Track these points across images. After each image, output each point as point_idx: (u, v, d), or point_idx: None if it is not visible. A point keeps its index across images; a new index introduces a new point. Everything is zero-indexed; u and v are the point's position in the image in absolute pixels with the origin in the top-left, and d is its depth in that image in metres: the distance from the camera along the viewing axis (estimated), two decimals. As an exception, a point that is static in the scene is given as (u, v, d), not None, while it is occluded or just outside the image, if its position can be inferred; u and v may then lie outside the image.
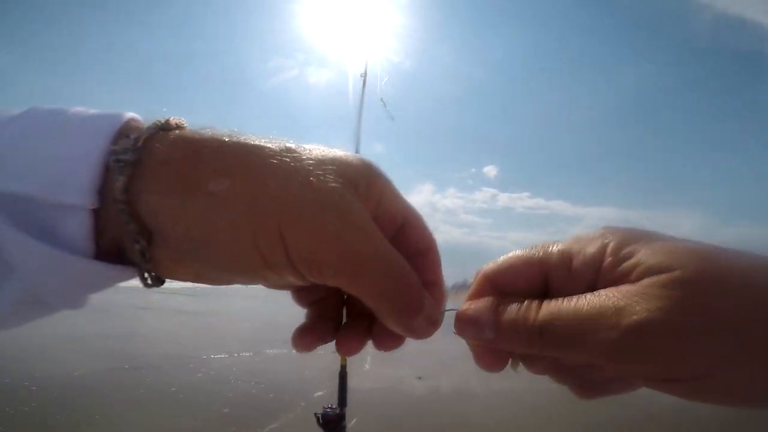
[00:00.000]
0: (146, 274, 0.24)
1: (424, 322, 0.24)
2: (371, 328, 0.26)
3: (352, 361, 2.02)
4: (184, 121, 0.24)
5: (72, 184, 0.21)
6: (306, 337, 0.26)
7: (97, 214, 0.22)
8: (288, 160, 0.22)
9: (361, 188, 0.23)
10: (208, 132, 0.23)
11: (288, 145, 0.23)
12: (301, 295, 0.28)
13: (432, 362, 6.37)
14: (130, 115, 0.24)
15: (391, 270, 0.22)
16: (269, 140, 0.23)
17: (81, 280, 0.22)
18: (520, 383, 5.95)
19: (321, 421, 1.72)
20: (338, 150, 0.24)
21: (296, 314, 0.29)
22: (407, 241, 0.25)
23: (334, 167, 0.22)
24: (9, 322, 0.24)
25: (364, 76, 2.56)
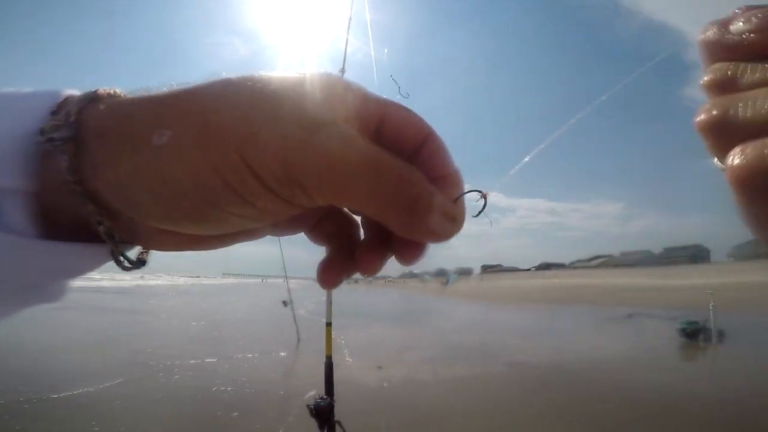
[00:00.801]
0: (120, 256, 0.23)
1: (442, 219, 0.21)
2: (390, 242, 0.24)
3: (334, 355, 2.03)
4: (118, 89, 0.23)
5: (6, 167, 0.20)
6: (329, 271, 0.25)
7: (47, 197, 0.21)
8: (229, 88, 0.20)
9: (322, 90, 0.20)
10: (143, 92, 0.21)
11: (230, 77, 0.20)
12: (315, 233, 0.26)
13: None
14: (69, 91, 0.22)
15: (382, 168, 0.19)
16: (198, 83, 0.21)
17: (41, 262, 0.21)
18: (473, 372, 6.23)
19: (314, 412, 1.71)
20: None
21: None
22: (396, 136, 0.22)
23: (281, 82, 0.20)
24: None
25: (343, 72, 2.58)
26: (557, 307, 17.05)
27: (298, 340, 7.68)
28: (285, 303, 8.13)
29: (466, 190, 0.23)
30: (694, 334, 8.33)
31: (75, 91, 0.22)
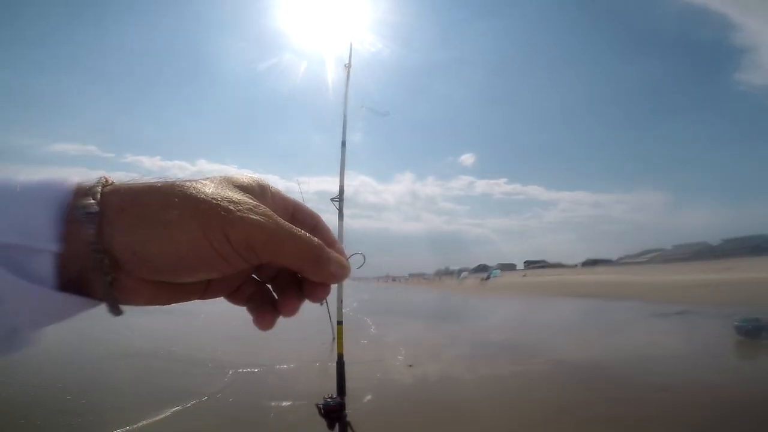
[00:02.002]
0: (111, 301, 0.30)
1: (337, 267, 0.34)
2: (301, 289, 0.35)
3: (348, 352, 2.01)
4: (110, 178, 0.32)
5: (44, 234, 0.28)
6: (264, 318, 0.36)
7: (60, 257, 0.28)
8: (204, 187, 0.31)
9: (258, 194, 0.34)
10: (139, 183, 0.31)
11: (192, 181, 0.32)
12: (234, 296, 0.37)
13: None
14: (75, 179, 0.31)
15: (301, 238, 0.32)
16: (181, 180, 0.32)
17: (50, 310, 0.29)
18: (504, 370, 6.06)
19: (323, 412, 1.69)
20: (230, 173, 0.35)
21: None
22: (302, 221, 0.36)
23: (242, 185, 0.33)
24: None
25: (348, 66, 2.57)
26: (603, 304, 16.32)
27: (334, 337, 7.76)
28: (320, 302, 8.23)
29: (351, 254, 0.36)
30: (754, 332, 7.73)
31: (77, 178, 0.31)
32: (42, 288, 0.28)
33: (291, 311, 0.36)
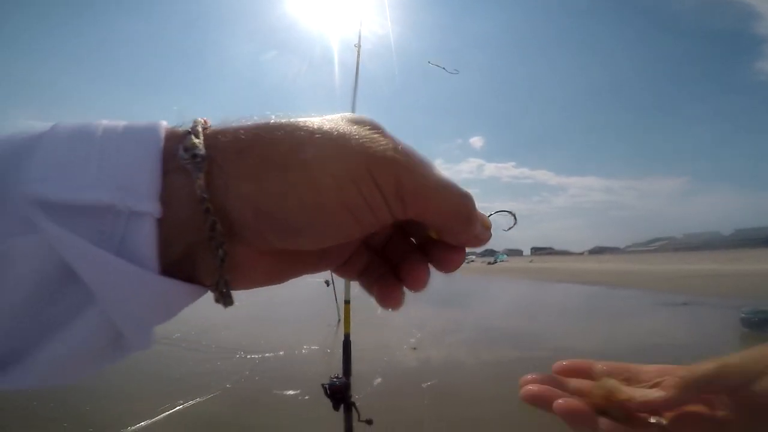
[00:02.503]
0: (222, 286, 0.23)
1: (482, 228, 0.28)
2: (430, 257, 0.29)
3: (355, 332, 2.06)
4: (207, 120, 0.25)
5: (139, 190, 0.20)
6: (391, 294, 0.29)
7: (162, 225, 0.21)
8: (330, 122, 0.24)
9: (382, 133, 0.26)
10: (246, 122, 0.24)
11: (308, 117, 0.25)
12: (347, 268, 0.30)
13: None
14: (163, 122, 0.24)
15: (453, 189, 0.26)
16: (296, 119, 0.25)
17: (158, 304, 0.22)
18: (508, 354, 6.13)
19: (328, 392, 1.74)
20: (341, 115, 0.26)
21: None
22: None
23: (363, 122, 0.25)
24: (71, 369, 0.21)
25: (358, 46, 2.55)
26: (608, 291, 16.28)
27: (339, 319, 7.86)
28: (327, 283, 8.31)
29: (494, 212, 0.30)
30: (760, 324, 7.70)
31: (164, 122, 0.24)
32: (146, 273, 0.20)
33: (421, 283, 0.29)
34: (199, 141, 0.22)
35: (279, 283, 0.28)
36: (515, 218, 0.32)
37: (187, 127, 0.23)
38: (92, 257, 0.19)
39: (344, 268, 0.30)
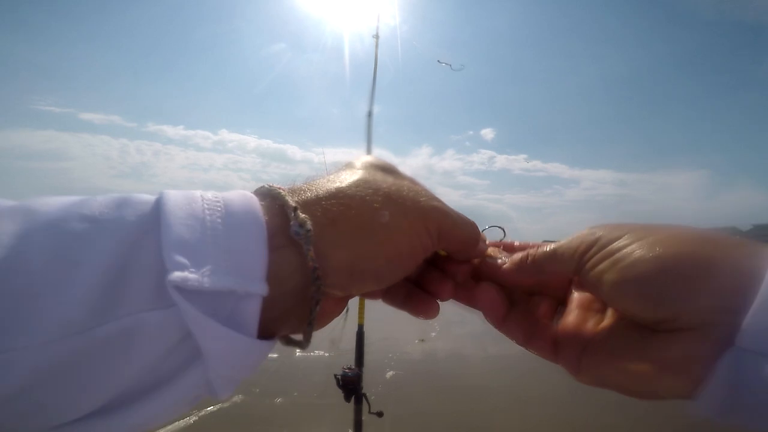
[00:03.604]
0: (309, 335, 0.28)
1: (483, 243, 0.36)
2: (442, 270, 0.36)
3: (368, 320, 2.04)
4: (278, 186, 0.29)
5: (250, 274, 0.23)
6: (428, 305, 0.35)
7: (267, 299, 0.24)
8: (377, 177, 0.30)
9: (399, 175, 0.33)
10: (309, 186, 0.29)
11: (350, 173, 0.31)
12: (387, 297, 0.35)
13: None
14: (248, 193, 0.27)
15: (467, 221, 0.33)
16: (334, 175, 0.30)
17: (248, 361, 0.25)
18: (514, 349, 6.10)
19: (340, 383, 1.73)
20: (362, 158, 0.33)
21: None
22: None
23: (388, 168, 0.32)
24: (163, 418, 0.24)
25: (377, 37, 2.53)
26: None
27: (347, 309, 7.87)
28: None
29: (491, 225, 0.39)
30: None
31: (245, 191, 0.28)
32: (245, 339, 0.24)
33: (448, 293, 0.35)
34: (306, 217, 0.26)
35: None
36: (504, 232, 0.39)
37: (273, 193, 0.27)
38: (209, 327, 0.22)
39: (369, 293, 0.34)
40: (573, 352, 0.31)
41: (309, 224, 0.25)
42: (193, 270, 0.22)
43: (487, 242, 0.37)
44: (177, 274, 0.21)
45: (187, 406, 0.25)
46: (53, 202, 0.23)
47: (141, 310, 0.21)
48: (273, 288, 0.24)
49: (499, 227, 0.38)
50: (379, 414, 1.81)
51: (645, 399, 0.27)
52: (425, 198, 0.30)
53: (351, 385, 1.73)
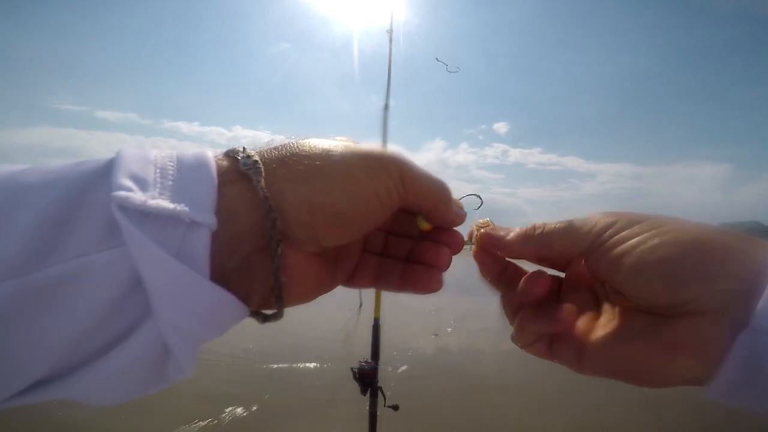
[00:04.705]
0: (277, 291, 0.26)
1: (458, 208, 0.34)
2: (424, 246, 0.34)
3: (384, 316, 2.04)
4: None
5: (198, 203, 0.22)
6: (428, 277, 0.33)
7: (214, 239, 0.23)
8: (339, 141, 0.29)
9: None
10: (278, 143, 0.28)
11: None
12: (359, 276, 0.34)
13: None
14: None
15: (437, 178, 0.31)
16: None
17: (206, 314, 0.23)
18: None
19: (357, 376, 1.74)
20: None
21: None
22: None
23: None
24: (118, 388, 0.23)
25: (390, 32, 2.54)
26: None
27: (360, 304, 7.90)
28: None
29: (467, 194, 0.37)
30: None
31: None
32: (198, 278, 0.22)
33: (447, 260, 0.34)
34: (253, 152, 0.26)
35: (319, 295, 0.31)
36: (481, 199, 0.37)
37: (235, 148, 0.27)
38: (155, 259, 0.20)
39: (355, 279, 0.34)
40: (571, 347, 0.31)
41: (257, 157, 0.25)
42: (138, 192, 0.21)
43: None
44: (121, 193, 0.21)
45: (148, 381, 0.24)
46: (18, 165, 0.23)
47: (88, 252, 0.20)
48: (225, 225, 0.23)
49: (476, 195, 0.37)
50: (395, 407, 1.82)
51: (654, 386, 0.28)
52: (384, 150, 0.30)
53: (368, 379, 1.74)
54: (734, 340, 0.24)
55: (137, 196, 0.21)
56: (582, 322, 0.33)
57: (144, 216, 0.21)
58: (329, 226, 0.27)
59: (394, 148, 0.30)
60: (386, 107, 2.25)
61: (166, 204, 0.21)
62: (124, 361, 0.21)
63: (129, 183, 0.21)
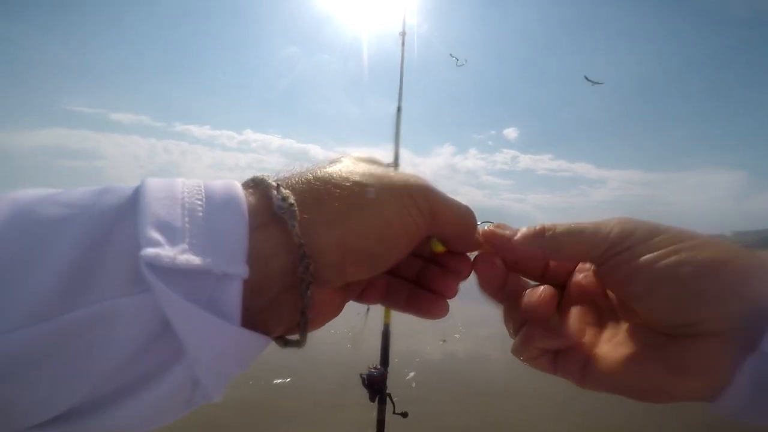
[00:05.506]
0: (303, 325, 0.26)
1: (479, 234, 0.33)
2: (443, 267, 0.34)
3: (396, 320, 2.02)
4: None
5: (229, 254, 0.22)
6: (435, 305, 0.33)
7: (248, 284, 0.22)
8: (360, 165, 0.29)
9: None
10: (301, 173, 0.28)
11: (338, 164, 0.29)
12: (368, 294, 0.33)
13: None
14: (231, 180, 0.26)
15: (464, 205, 0.31)
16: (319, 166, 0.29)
17: (236, 354, 0.23)
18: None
19: (366, 382, 1.72)
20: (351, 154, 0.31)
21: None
22: None
23: (374, 161, 0.31)
24: (150, 419, 0.23)
25: (403, 34, 2.54)
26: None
27: (368, 308, 7.88)
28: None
29: (485, 221, 0.35)
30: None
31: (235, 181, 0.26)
32: (230, 326, 0.22)
33: (454, 289, 0.34)
34: (289, 192, 0.25)
35: (333, 318, 0.30)
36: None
37: (265, 179, 0.26)
38: (187, 312, 0.20)
39: (365, 296, 0.33)
40: (575, 362, 0.31)
41: (292, 199, 0.24)
42: (167, 247, 0.20)
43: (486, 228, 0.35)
44: (149, 250, 0.20)
45: (177, 410, 0.24)
46: (36, 192, 0.22)
47: (115, 296, 0.20)
48: (256, 270, 0.23)
49: (490, 222, 0.36)
50: (404, 414, 1.80)
51: (657, 402, 0.28)
52: (414, 178, 0.29)
53: (376, 385, 1.72)
54: (742, 362, 0.24)
55: (166, 252, 0.20)
56: (586, 337, 0.32)
57: (174, 271, 0.20)
58: (359, 265, 0.27)
59: (404, 153, 0.31)
60: (399, 109, 2.25)
61: (196, 260, 0.21)
62: (157, 397, 0.22)
63: (156, 236, 0.21)
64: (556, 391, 4.31)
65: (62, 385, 0.20)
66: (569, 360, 0.31)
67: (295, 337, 0.28)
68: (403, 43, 2.50)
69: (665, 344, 0.27)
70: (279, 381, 4.30)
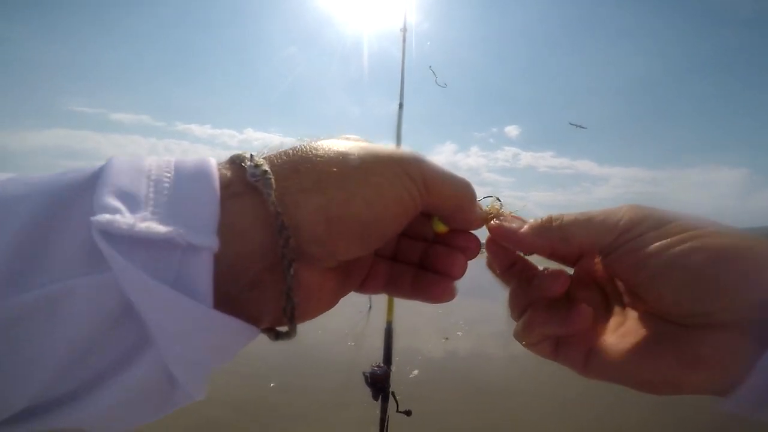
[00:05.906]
0: (289, 312, 0.23)
1: (480, 210, 0.32)
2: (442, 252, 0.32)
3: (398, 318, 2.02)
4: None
5: (196, 223, 0.20)
6: (440, 287, 0.31)
7: (220, 260, 0.20)
8: (354, 143, 0.27)
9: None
10: (288, 149, 0.26)
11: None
12: (371, 283, 0.32)
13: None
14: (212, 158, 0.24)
15: (461, 177, 0.29)
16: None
17: (211, 343, 0.21)
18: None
19: (369, 381, 1.71)
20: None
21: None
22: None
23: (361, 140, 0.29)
24: (121, 417, 0.21)
25: (404, 31, 2.53)
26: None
27: (370, 306, 7.88)
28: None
29: (486, 196, 0.34)
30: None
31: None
32: (200, 307, 0.19)
33: (462, 268, 0.32)
34: (263, 161, 0.23)
35: (334, 305, 0.29)
36: (500, 202, 0.35)
37: (241, 154, 0.24)
38: (149, 290, 0.18)
39: (366, 285, 0.32)
40: (579, 349, 0.30)
41: (267, 166, 0.22)
42: (126, 214, 0.19)
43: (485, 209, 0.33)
44: (104, 216, 0.18)
45: (155, 408, 0.22)
46: (3, 174, 0.20)
47: (71, 276, 0.18)
48: (231, 245, 0.20)
49: (495, 197, 0.34)
50: (408, 413, 1.79)
51: (663, 394, 0.27)
52: (404, 150, 0.27)
53: (380, 384, 1.71)
54: (759, 355, 0.23)
55: (124, 219, 0.18)
56: (591, 324, 0.30)
57: (134, 241, 0.18)
58: (348, 239, 0.24)
59: (407, 149, 0.29)
60: (401, 106, 2.24)
61: (157, 227, 0.19)
62: (126, 391, 0.19)
63: (115, 202, 0.19)
64: (559, 389, 4.31)
65: (10, 381, 0.18)
66: (572, 347, 0.30)
67: (285, 328, 0.25)
68: (404, 39, 2.49)
69: (676, 335, 0.26)
70: (279, 381, 4.31)
